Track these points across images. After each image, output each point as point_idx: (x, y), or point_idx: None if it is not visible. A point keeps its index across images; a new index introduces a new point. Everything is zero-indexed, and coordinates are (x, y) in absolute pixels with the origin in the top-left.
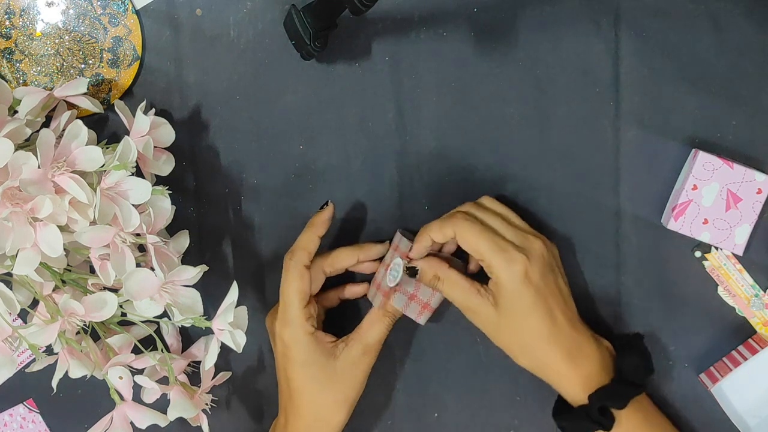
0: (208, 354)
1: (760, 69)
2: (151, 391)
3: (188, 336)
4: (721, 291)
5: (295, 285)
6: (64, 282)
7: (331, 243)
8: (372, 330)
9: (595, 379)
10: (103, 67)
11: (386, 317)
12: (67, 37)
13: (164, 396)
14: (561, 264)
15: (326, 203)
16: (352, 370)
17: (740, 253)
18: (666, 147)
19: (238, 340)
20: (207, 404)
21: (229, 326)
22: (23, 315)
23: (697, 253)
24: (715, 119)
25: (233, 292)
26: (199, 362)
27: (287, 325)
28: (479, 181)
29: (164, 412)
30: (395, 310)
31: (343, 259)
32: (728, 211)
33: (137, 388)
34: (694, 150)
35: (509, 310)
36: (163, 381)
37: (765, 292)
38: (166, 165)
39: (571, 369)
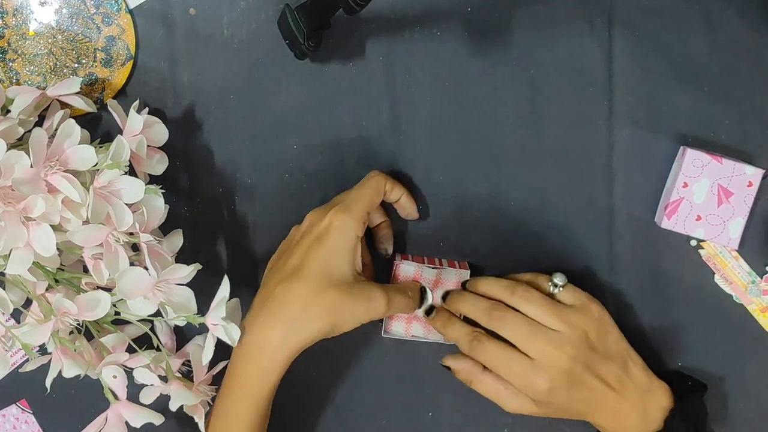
0: (204, 349)
1: (752, 68)
2: (150, 389)
3: (183, 335)
4: (717, 279)
5: (371, 195)
6: (57, 281)
7: None
8: (396, 299)
9: None
10: (96, 66)
11: (409, 298)
12: (60, 37)
13: (159, 396)
14: (606, 317)
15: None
16: (357, 300)
17: (735, 246)
18: (659, 146)
19: (232, 335)
20: (207, 396)
21: (223, 321)
22: (16, 314)
23: (693, 242)
24: (709, 118)
25: (224, 287)
26: None
27: (347, 214)
28: (473, 181)
29: (160, 412)
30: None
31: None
32: (720, 206)
33: (131, 388)
34: (682, 147)
35: (551, 404)
36: None
37: (762, 278)
38: (159, 164)
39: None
